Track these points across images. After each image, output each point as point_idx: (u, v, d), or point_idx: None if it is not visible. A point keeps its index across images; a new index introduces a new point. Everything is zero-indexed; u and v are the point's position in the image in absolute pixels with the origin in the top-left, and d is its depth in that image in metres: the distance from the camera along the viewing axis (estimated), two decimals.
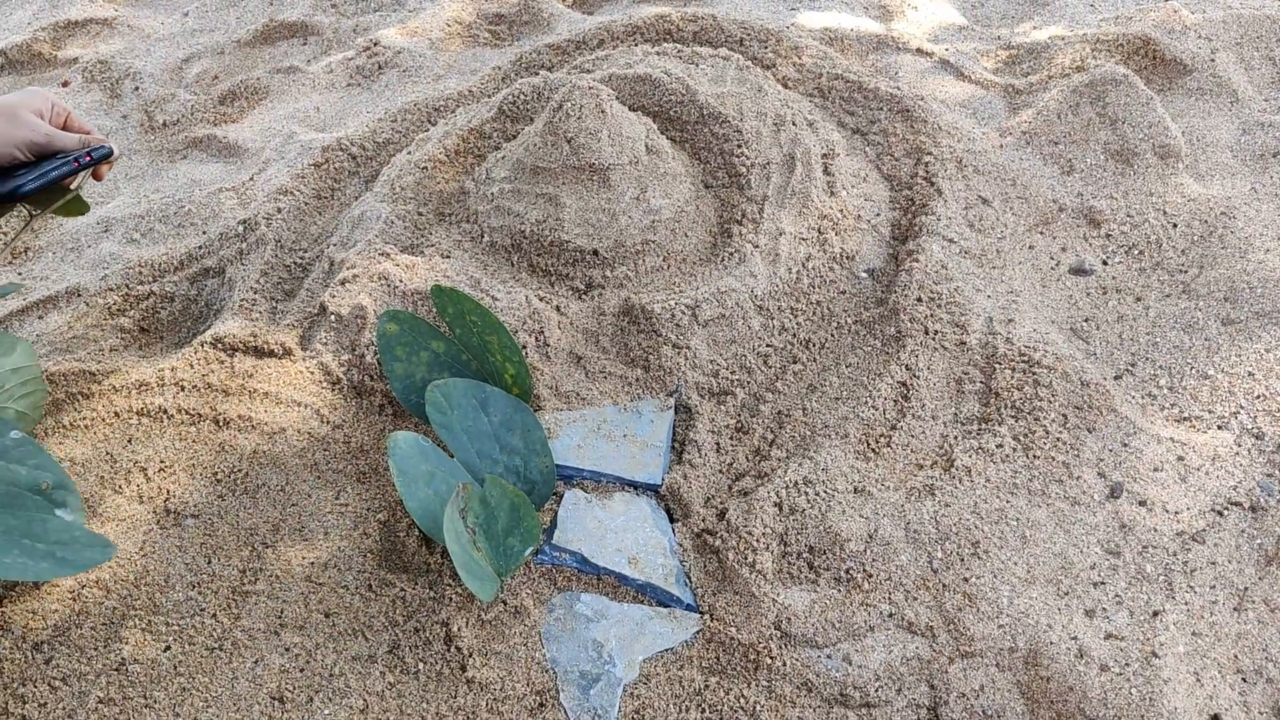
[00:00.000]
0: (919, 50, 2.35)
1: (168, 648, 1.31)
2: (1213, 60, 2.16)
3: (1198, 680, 1.23)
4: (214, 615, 1.35)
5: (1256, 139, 1.98)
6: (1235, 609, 1.31)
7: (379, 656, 1.31)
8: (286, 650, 1.31)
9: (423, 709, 1.26)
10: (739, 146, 1.88)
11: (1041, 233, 1.88)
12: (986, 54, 2.39)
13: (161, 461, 1.55)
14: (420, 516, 1.33)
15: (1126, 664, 1.23)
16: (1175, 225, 1.82)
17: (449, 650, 1.31)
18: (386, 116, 2.24)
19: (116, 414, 1.62)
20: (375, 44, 2.53)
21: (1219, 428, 1.51)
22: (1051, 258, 1.84)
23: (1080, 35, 2.29)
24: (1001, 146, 2.02)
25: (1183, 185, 1.87)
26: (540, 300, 1.66)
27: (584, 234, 1.70)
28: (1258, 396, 1.52)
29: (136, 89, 2.62)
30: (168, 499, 1.50)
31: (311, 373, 1.65)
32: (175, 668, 1.29)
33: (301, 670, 1.29)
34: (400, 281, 1.66)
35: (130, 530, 1.46)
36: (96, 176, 1.48)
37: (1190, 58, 2.16)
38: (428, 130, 2.16)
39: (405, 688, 1.28)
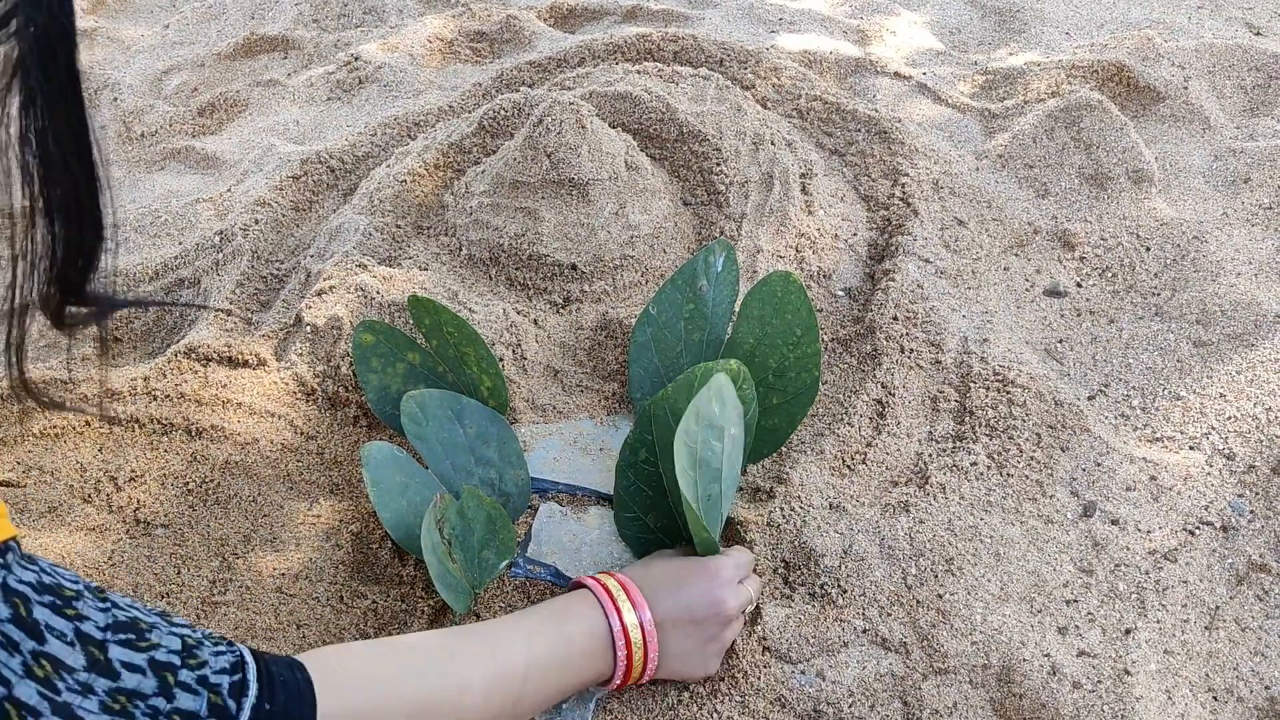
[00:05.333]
0: (896, 74, 2.37)
1: None
2: (1185, 88, 2.19)
3: (1169, 698, 1.24)
4: None
5: (1228, 165, 2.01)
6: (1206, 628, 1.32)
7: None
8: None
9: None
10: (718, 165, 1.89)
11: (1016, 254, 1.90)
12: (963, 78, 2.41)
13: (132, 471, 1.53)
14: (394, 528, 1.32)
15: (1099, 681, 1.23)
16: (1148, 249, 1.85)
17: None
18: (366, 130, 2.24)
19: (87, 422, 1.61)
20: (356, 58, 2.54)
21: (1191, 448, 1.52)
22: (1026, 279, 1.86)
23: (1055, 61, 2.32)
24: (977, 169, 2.04)
25: (1155, 209, 1.90)
26: (518, 314, 1.66)
27: (562, 248, 1.70)
28: (1229, 417, 1.54)
29: (115, 100, 2.60)
30: (138, 509, 1.48)
31: (286, 384, 1.64)
32: None
33: None
34: (377, 293, 1.66)
35: (100, 540, 1.44)
36: None
37: (1163, 85, 2.20)
38: (407, 144, 2.16)
39: None
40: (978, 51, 2.62)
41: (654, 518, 1.38)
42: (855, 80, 2.36)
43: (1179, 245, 1.83)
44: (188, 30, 2.96)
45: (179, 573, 1.40)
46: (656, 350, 1.51)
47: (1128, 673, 1.24)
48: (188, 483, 1.52)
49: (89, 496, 1.50)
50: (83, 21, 3.05)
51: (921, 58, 2.52)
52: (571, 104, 1.73)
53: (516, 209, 1.74)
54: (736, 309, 1.52)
